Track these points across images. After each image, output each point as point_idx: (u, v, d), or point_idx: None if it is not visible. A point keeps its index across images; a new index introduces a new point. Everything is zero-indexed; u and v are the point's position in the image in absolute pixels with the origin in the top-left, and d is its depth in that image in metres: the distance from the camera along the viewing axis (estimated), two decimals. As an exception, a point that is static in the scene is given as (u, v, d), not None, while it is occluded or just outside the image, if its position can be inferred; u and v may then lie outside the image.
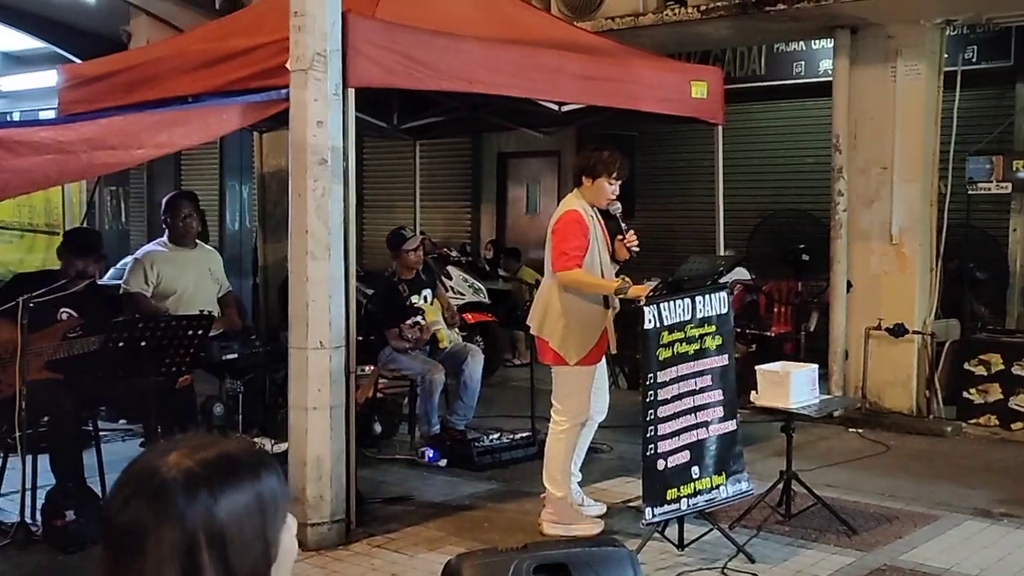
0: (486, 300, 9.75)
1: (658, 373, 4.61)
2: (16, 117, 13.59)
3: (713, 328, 4.88)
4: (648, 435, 4.56)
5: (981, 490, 5.94)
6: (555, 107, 6.85)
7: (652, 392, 4.58)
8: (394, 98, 7.41)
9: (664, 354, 4.65)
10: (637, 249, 5.18)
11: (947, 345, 7.81)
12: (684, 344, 4.75)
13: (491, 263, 12.18)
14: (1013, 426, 7.37)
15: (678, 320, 4.73)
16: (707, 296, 4.88)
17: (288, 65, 4.84)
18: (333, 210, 4.86)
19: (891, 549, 4.95)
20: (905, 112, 7.68)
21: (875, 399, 7.85)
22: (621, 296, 4.94)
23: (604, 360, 5.36)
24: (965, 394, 7.61)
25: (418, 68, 5.20)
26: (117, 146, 4.30)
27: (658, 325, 4.63)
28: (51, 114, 8.23)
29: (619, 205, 5.20)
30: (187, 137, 4.64)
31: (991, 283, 9.01)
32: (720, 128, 7.03)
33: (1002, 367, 7.46)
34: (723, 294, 4.99)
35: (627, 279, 5.03)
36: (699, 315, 4.83)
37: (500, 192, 13.72)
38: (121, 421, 7.08)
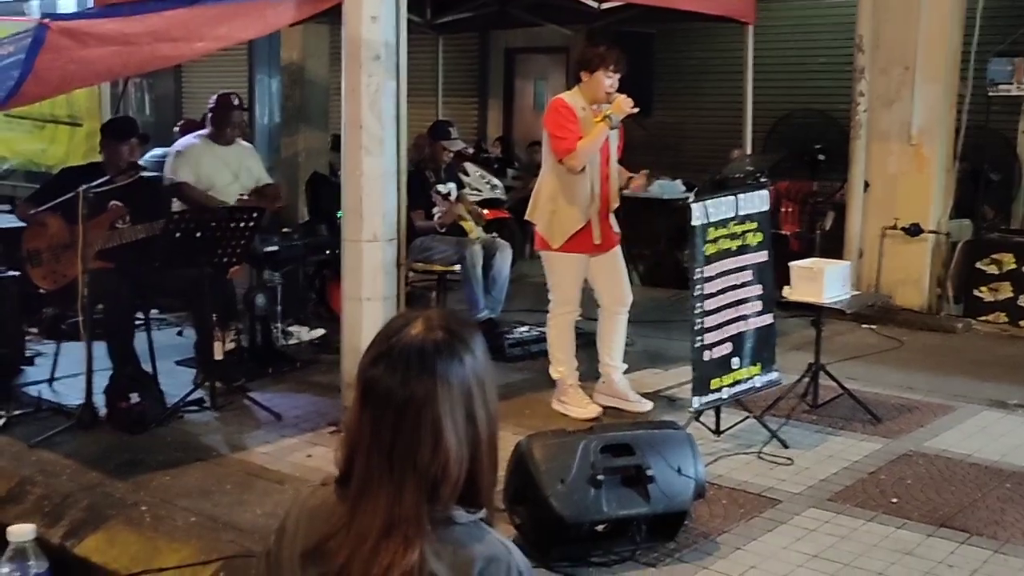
0: (503, 196, 9.85)
1: (705, 268, 4.79)
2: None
3: (754, 225, 5.05)
4: (696, 327, 4.76)
5: (994, 383, 6.18)
6: (595, 4, 6.86)
7: (700, 287, 4.76)
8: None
9: (710, 249, 4.82)
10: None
11: (959, 245, 8.00)
12: (728, 240, 4.92)
13: (500, 161, 12.22)
14: (1022, 323, 7.61)
15: (723, 217, 4.89)
16: (749, 194, 5.04)
17: (341, -41, 4.85)
18: (386, 105, 4.94)
19: (915, 436, 5.21)
20: (929, 11, 7.70)
21: (888, 296, 8.05)
22: (612, 123, 5.06)
23: (616, 254, 5.44)
24: (976, 292, 7.83)
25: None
26: (179, 38, 4.34)
27: (705, 221, 4.80)
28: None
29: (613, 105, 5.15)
30: (244, 30, 4.67)
31: (1000, 185, 9.17)
32: (751, 27, 7.06)
33: (1013, 266, 7.67)
34: (764, 192, 5.14)
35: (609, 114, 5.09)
36: (741, 212, 4.99)
37: (507, 88, 13.66)
38: (153, 311, 7.23)
